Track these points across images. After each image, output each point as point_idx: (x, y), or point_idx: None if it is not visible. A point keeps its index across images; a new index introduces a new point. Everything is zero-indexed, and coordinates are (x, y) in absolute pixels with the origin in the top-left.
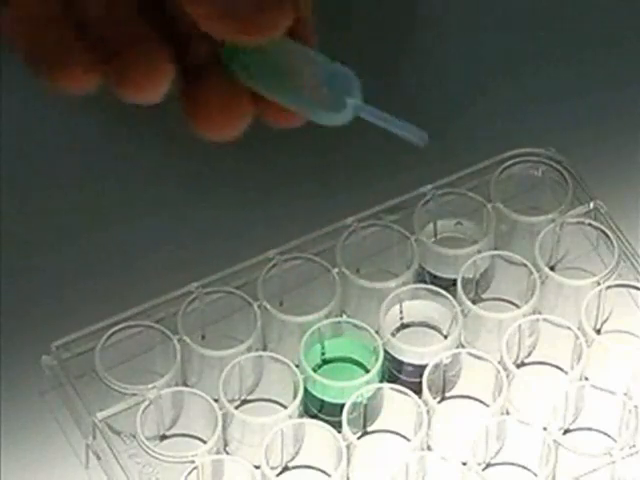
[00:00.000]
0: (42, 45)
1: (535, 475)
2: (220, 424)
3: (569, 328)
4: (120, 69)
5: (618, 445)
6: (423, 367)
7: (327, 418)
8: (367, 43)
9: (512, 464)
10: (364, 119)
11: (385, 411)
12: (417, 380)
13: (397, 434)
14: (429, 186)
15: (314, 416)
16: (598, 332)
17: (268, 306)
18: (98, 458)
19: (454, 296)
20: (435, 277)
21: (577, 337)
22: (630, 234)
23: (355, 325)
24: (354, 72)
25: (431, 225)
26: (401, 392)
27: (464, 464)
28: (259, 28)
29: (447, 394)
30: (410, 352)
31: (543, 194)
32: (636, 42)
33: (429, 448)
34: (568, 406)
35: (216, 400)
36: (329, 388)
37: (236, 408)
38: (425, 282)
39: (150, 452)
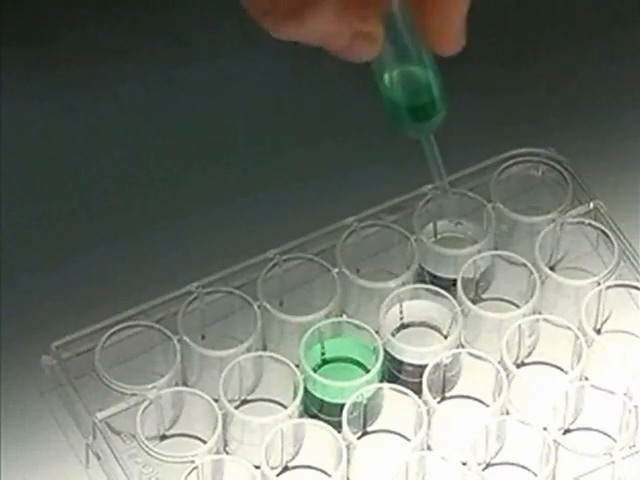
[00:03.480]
0: None
1: (535, 475)
2: (220, 424)
3: (569, 328)
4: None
5: (618, 445)
6: (423, 367)
7: (327, 418)
8: None
9: (512, 464)
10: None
11: (385, 411)
12: (417, 380)
13: (397, 434)
14: (429, 186)
15: (314, 416)
16: (598, 332)
17: (268, 306)
18: (98, 458)
19: (454, 296)
20: (435, 277)
21: (577, 337)
22: (630, 234)
23: (355, 325)
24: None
25: (431, 225)
26: (401, 392)
27: (464, 464)
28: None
29: (447, 394)
30: (410, 352)
31: (543, 194)
32: (636, 42)
33: (429, 448)
34: (568, 406)
35: (216, 400)
36: (329, 388)
37: (236, 408)
38: (425, 282)
39: (150, 452)
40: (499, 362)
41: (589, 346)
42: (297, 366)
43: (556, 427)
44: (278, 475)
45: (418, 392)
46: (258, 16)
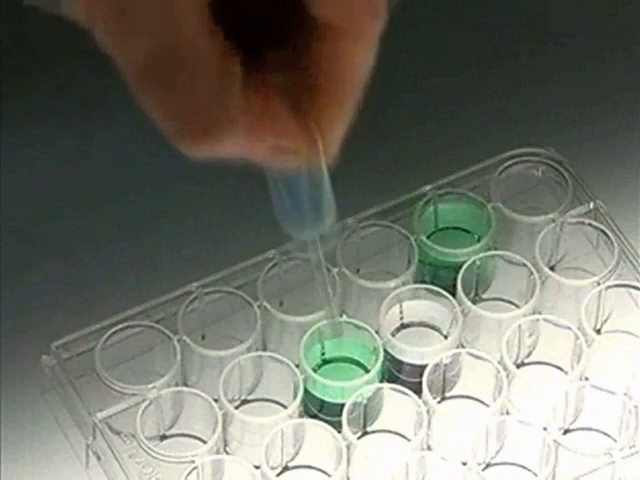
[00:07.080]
0: (194, 98)
1: (535, 475)
2: (220, 424)
3: (569, 328)
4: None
5: (618, 445)
6: (423, 367)
7: (327, 418)
8: None
9: (512, 464)
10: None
11: (385, 411)
12: (417, 380)
13: (397, 434)
14: (429, 186)
15: (314, 416)
16: (598, 332)
17: (268, 306)
18: (98, 458)
19: (454, 296)
20: (435, 277)
21: (577, 337)
22: (630, 234)
23: (355, 325)
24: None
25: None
26: (401, 392)
27: (464, 464)
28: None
29: (447, 394)
30: (410, 352)
31: (543, 194)
32: (636, 43)
33: (429, 448)
34: (568, 406)
35: (216, 400)
36: (329, 388)
37: (236, 408)
38: (425, 282)
39: (150, 452)
40: (499, 362)
41: (589, 346)
42: (297, 366)
43: (556, 427)
44: (278, 475)
45: (418, 392)
46: (170, 136)
